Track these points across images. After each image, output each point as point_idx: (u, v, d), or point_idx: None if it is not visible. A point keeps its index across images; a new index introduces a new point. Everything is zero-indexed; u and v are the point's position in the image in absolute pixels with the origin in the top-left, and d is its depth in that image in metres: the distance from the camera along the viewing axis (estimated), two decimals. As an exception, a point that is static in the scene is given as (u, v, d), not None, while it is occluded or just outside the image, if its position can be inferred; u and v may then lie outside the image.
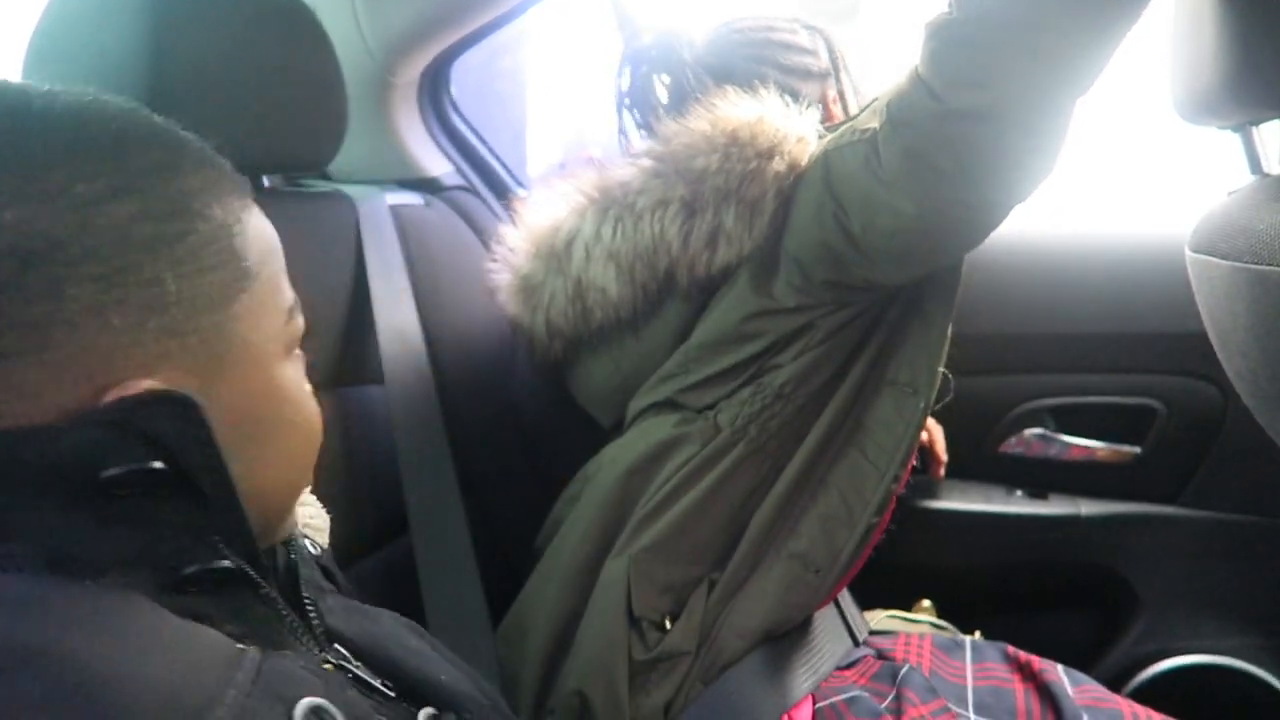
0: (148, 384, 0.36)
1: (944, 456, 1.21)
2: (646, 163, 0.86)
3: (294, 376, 0.45)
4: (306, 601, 0.46)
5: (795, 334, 0.83)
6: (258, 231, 0.44)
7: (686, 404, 0.87)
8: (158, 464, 0.35)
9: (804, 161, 0.82)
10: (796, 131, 0.82)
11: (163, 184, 0.38)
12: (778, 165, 0.80)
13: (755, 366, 0.84)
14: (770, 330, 0.83)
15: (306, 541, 0.55)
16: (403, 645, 0.49)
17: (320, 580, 0.51)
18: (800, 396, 0.83)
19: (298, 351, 0.47)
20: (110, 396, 0.36)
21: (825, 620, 0.89)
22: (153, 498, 0.36)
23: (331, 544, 0.64)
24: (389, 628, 0.50)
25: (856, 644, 0.92)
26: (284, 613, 0.41)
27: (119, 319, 0.36)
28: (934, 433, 1.21)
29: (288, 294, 0.46)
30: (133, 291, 0.36)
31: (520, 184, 1.40)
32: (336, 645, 0.45)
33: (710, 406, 0.86)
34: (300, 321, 0.46)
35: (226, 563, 0.37)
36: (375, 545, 0.89)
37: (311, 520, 0.61)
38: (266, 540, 0.46)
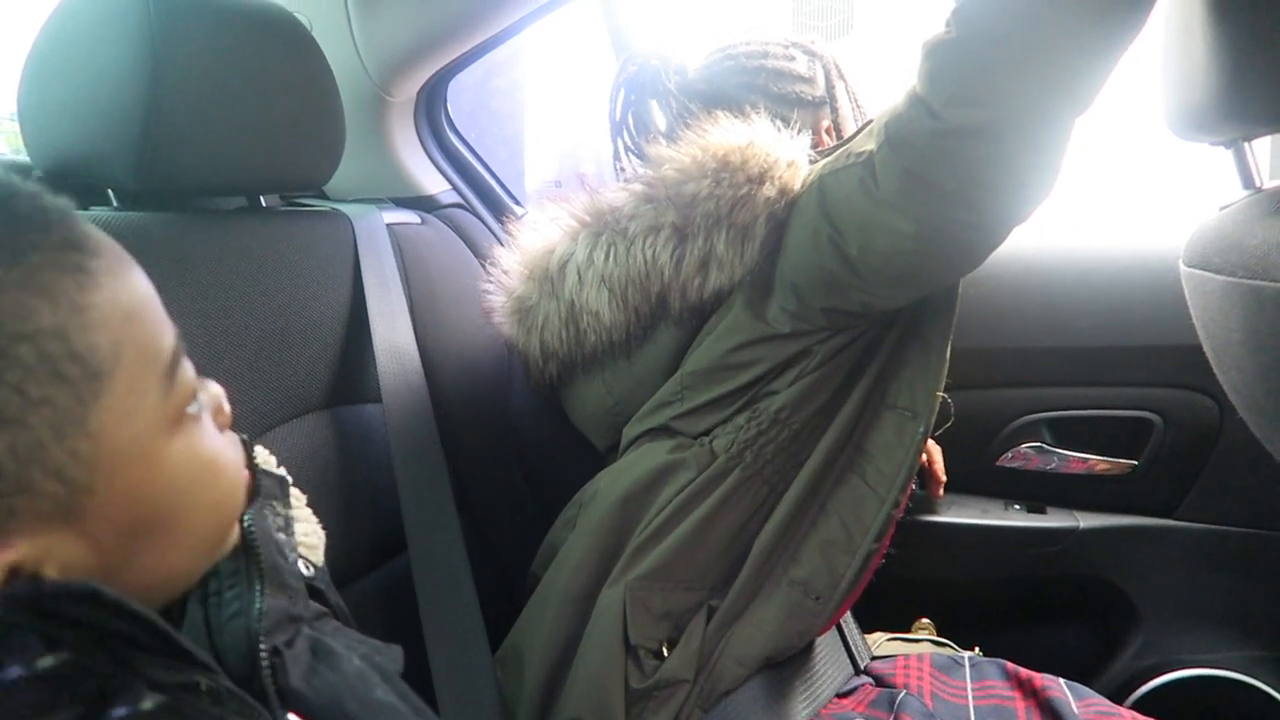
0: (3, 557, 0.31)
1: (943, 477, 1.21)
2: (638, 188, 0.86)
3: (189, 450, 0.38)
4: (264, 659, 0.43)
5: (791, 360, 0.83)
6: (108, 301, 0.34)
7: (682, 430, 0.87)
8: (51, 660, 0.30)
9: (796, 186, 0.81)
10: (787, 156, 0.82)
11: None
12: (769, 190, 0.80)
13: (751, 393, 0.84)
14: (766, 357, 0.83)
15: (300, 562, 0.53)
16: (364, 700, 0.46)
17: (300, 610, 0.48)
18: (796, 422, 0.83)
19: (193, 405, 0.38)
20: None
21: (826, 646, 0.89)
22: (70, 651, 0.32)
23: (327, 563, 0.63)
24: (354, 677, 0.46)
25: (858, 670, 0.91)
26: (230, 700, 0.38)
27: None
28: (932, 453, 1.21)
29: (165, 346, 0.36)
30: None
31: (517, 201, 1.40)
32: (292, 716, 0.43)
33: (706, 433, 0.86)
34: (188, 370, 0.38)
35: (159, 698, 0.33)
36: (373, 565, 0.88)
37: (305, 538, 0.59)
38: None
